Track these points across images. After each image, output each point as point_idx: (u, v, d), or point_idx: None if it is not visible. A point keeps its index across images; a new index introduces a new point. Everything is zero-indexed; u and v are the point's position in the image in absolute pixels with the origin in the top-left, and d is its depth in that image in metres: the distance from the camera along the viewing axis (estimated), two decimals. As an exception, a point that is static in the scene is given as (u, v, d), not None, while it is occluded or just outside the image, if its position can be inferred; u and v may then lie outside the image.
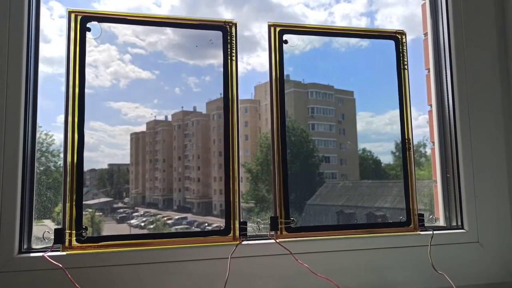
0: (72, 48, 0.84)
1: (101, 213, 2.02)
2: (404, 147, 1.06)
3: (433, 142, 1.09)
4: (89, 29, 0.87)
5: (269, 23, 0.94)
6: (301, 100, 2.06)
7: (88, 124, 1.86)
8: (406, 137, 1.06)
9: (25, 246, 0.80)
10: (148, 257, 0.83)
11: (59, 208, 1.95)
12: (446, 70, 1.06)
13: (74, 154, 0.80)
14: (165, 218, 2.07)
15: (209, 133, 2.47)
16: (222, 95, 0.90)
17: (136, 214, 2.10)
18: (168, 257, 0.84)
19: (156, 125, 2.08)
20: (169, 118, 2.07)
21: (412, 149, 1.05)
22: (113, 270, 0.80)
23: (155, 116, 1.95)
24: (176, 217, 2.23)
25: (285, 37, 0.99)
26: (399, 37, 1.07)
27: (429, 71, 1.12)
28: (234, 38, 0.94)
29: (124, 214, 2.05)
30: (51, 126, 1.40)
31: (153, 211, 2.11)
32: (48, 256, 0.75)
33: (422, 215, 1.01)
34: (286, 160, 0.95)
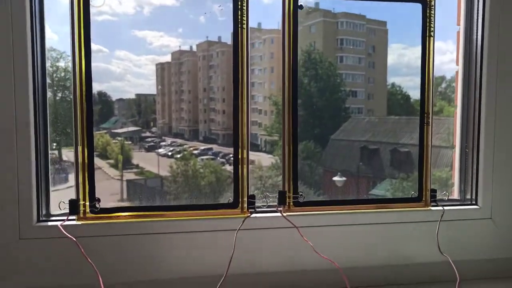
0: None
1: (130, 142, 2.10)
2: (422, 120, 1.00)
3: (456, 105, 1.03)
4: None
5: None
6: (330, 31, 1.96)
7: (114, 53, 1.87)
8: (426, 111, 0.99)
9: (44, 212, 0.85)
10: (158, 228, 0.87)
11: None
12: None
13: (85, 131, 0.79)
14: (191, 148, 2.14)
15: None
16: (232, 76, 0.85)
17: (163, 143, 2.17)
18: (178, 228, 0.88)
19: (181, 56, 2.05)
20: (194, 48, 2.03)
21: (430, 124, 0.99)
22: (124, 239, 0.85)
23: (180, 46, 1.92)
24: (202, 147, 2.29)
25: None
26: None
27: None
28: (245, 2, 0.86)
29: (152, 143, 2.12)
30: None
31: (179, 141, 2.17)
32: (64, 225, 0.79)
33: (435, 190, 0.99)
34: (296, 132, 0.92)
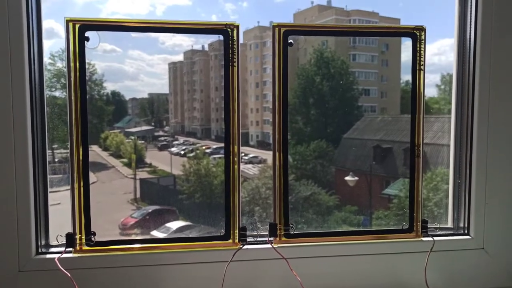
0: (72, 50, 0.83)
1: (143, 141, 2.12)
2: (413, 153, 0.99)
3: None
4: (87, 39, 0.84)
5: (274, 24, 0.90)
6: (343, 29, 1.94)
7: (127, 52, 1.89)
8: (416, 143, 0.98)
9: (43, 243, 0.89)
10: (151, 260, 0.89)
11: (104, 134, 2.06)
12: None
13: (81, 171, 0.83)
14: (204, 147, 2.14)
15: (246, 64, 2.43)
16: (223, 101, 0.89)
17: (176, 142, 2.18)
18: (171, 260, 0.90)
19: (193, 55, 2.06)
20: (206, 48, 2.04)
21: (421, 157, 0.98)
22: (119, 271, 0.88)
23: (192, 45, 1.93)
24: (214, 146, 2.30)
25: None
26: (418, 33, 0.94)
27: None
28: (235, 42, 0.88)
29: (164, 142, 2.14)
30: (92, 55, 1.43)
31: (192, 140, 2.18)
32: (61, 258, 0.83)
33: (426, 221, 0.99)
34: (287, 166, 0.93)
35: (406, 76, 1.68)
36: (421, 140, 0.94)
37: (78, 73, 0.82)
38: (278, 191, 0.92)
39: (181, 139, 2.20)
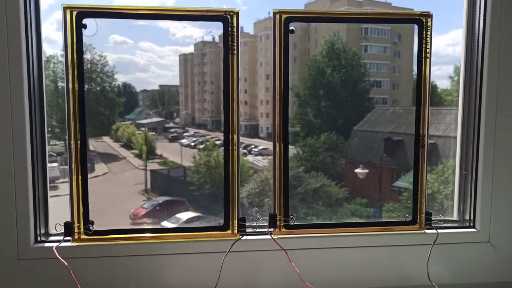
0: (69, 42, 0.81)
1: (153, 133, 2.13)
2: (417, 143, 0.96)
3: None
4: (85, 26, 0.82)
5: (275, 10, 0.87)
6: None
7: (138, 44, 1.89)
8: (421, 133, 0.94)
9: (42, 231, 0.88)
10: (150, 250, 0.84)
11: (116, 126, 2.08)
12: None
13: (79, 158, 0.83)
14: (214, 139, 2.15)
15: (256, 55, 2.42)
16: (223, 93, 0.87)
17: (186, 134, 2.19)
18: (169, 249, 0.87)
19: (204, 46, 2.06)
20: (217, 39, 2.03)
21: (426, 147, 0.95)
22: (117, 260, 0.86)
23: (202, 37, 1.92)
24: (224, 138, 2.30)
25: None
26: (424, 20, 0.90)
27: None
28: (235, 29, 0.87)
29: (175, 134, 2.15)
30: (104, 47, 1.44)
31: (202, 131, 2.19)
32: (59, 247, 0.83)
33: (430, 213, 0.95)
34: (287, 155, 0.91)
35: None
36: (426, 131, 0.92)
37: (75, 62, 0.80)
38: (278, 181, 0.91)
39: (192, 131, 2.21)
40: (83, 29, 0.80)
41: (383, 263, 0.92)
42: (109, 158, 1.91)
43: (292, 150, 2.06)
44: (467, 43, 0.96)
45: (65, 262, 0.78)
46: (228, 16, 0.84)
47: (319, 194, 1.88)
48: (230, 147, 0.87)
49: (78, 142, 0.80)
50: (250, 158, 2.23)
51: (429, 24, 0.88)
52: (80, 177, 0.82)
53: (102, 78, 1.64)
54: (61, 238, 0.83)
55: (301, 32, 1.85)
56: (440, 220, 0.95)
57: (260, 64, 2.28)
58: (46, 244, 0.84)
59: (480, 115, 0.94)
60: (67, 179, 0.82)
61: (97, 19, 0.80)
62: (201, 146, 2.12)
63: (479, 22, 0.93)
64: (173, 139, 2.12)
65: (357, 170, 1.89)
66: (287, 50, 0.88)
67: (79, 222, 0.82)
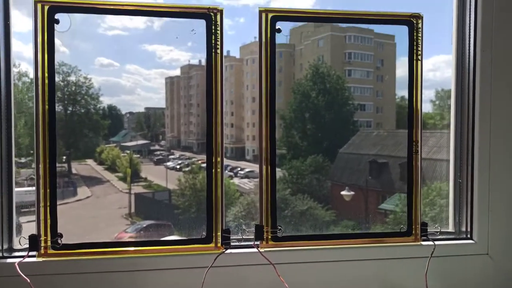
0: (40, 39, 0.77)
1: (138, 155, 2.11)
2: (410, 149, 0.92)
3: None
4: (57, 21, 0.78)
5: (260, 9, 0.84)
6: (338, 44, 1.97)
7: (124, 67, 1.89)
8: (414, 139, 0.91)
9: (5, 246, 0.78)
10: (124, 265, 0.78)
11: (100, 148, 2.05)
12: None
13: (47, 164, 0.77)
14: (200, 162, 2.14)
15: (242, 78, 2.44)
16: (206, 97, 0.84)
17: (172, 156, 2.17)
18: (146, 265, 0.79)
19: (190, 69, 2.07)
20: (203, 62, 2.05)
21: (419, 153, 0.92)
22: (89, 277, 0.78)
23: (189, 61, 1.94)
24: (210, 161, 2.29)
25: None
26: (414, 21, 0.89)
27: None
28: (219, 27, 0.79)
29: (160, 157, 2.13)
30: (89, 69, 1.43)
31: (188, 154, 2.17)
32: (23, 263, 0.73)
33: (426, 224, 0.88)
34: (274, 162, 0.86)
35: (401, 92, 1.70)
36: (419, 136, 0.89)
37: (46, 59, 0.73)
38: (265, 189, 0.84)
39: (177, 154, 2.19)
40: (55, 24, 0.74)
41: (378, 277, 0.87)
42: (92, 181, 1.87)
43: (278, 172, 2.06)
44: (457, 65, 0.93)
45: (28, 279, 0.70)
46: (212, 14, 0.78)
47: (306, 217, 1.87)
48: (214, 150, 0.83)
49: (47, 138, 0.74)
50: (236, 180, 2.21)
51: (419, 25, 0.87)
52: (48, 183, 0.74)
53: (87, 100, 1.63)
54: (25, 253, 0.74)
55: (286, 58, 1.88)
56: (437, 232, 0.90)
57: (246, 87, 2.30)
58: (9, 260, 0.75)
59: (474, 120, 0.89)
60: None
61: (72, 16, 0.75)
62: (187, 169, 2.10)
63: (469, 44, 0.91)
64: (158, 162, 2.10)
65: (343, 192, 1.89)
66: (274, 51, 0.84)
67: (46, 235, 0.74)
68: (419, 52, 0.90)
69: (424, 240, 0.91)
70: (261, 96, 0.87)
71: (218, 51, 0.82)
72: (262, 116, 0.86)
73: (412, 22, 0.90)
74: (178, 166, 2.14)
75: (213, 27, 0.82)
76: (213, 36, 0.82)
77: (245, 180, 2.24)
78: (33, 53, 0.77)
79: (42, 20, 0.77)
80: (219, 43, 0.83)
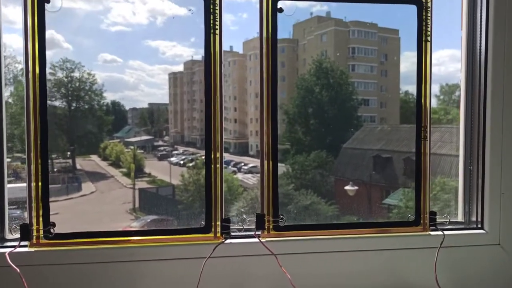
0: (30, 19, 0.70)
1: (142, 151, 2.12)
2: (418, 135, 0.85)
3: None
4: (48, 1, 0.75)
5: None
6: (342, 39, 1.96)
7: (127, 63, 1.90)
8: (423, 124, 0.84)
9: None
10: (120, 256, 0.75)
11: (104, 144, 2.06)
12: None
13: (38, 156, 0.74)
14: (203, 157, 2.14)
15: (245, 74, 2.44)
16: (204, 82, 0.79)
17: (175, 152, 2.18)
18: (143, 255, 0.76)
19: (194, 65, 2.07)
20: (206, 58, 2.05)
21: (428, 138, 0.84)
22: (83, 268, 0.74)
23: (192, 56, 1.94)
24: (214, 156, 2.29)
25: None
26: (424, 0, 0.82)
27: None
28: (218, 7, 0.75)
29: (164, 152, 2.14)
30: (93, 65, 1.43)
31: (191, 149, 2.18)
32: (14, 253, 0.70)
33: (435, 213, 0.84)
34: (276, 149, 0.82)
35: (405, 87, 1.69)
36: (428, 121, 0.85)
37: (37, 40, 0.70)
38: (267, 177, 0.80)
39: (181, 149, 2.20)
40: (45, 3, 0.70)
41: (385, 269, 0.84)
42: (96, 176, 1.88)
43: (281, 167, 2.06)
44: (467, 60, 0.88)
45: (18, 269, 0.67)
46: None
47: (309, 212, 1.87)
48: (212, 139, 0.79)
49: (39, 132, 0.69)
50: (239, 176, 2.22)
51: (429, 4, 0.82)
52: (40, 169, 0.70)
53: (91, 96, 1.63)
54: (16, 244, 0.72)
55: (289, 53, 1.87)
56: (446, 222, 0.87)
57: (249, 82, 2.30)
58: (0, 250, 0.71)
59: (486, 107, 0.85)
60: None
61: (75, 12, 0.71)
62: (191, 164, 2.11)
63: (480, 36, 0.87)
64: (162, 157, 2.11)
65: (347, 187, 1.89)
66: (275, 32, 0.77)
67: (38, 224, 0.71)
68: (428, 33, 0.84)
69: (432, 230, 0.87)
70: (262, 87, 0.82)
71: (217, 32, 0.77)
72: (263, 107, 0.83)
73: (421, 1, 0.84)
74: (181, 162, 2.15)
75: (211, 6, 0.76)
76: (212, 16, 0.76)
77: (249, 175, 2.25)
78: (23, 35, 0.69)
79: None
80: (218, 23, 0.77)
